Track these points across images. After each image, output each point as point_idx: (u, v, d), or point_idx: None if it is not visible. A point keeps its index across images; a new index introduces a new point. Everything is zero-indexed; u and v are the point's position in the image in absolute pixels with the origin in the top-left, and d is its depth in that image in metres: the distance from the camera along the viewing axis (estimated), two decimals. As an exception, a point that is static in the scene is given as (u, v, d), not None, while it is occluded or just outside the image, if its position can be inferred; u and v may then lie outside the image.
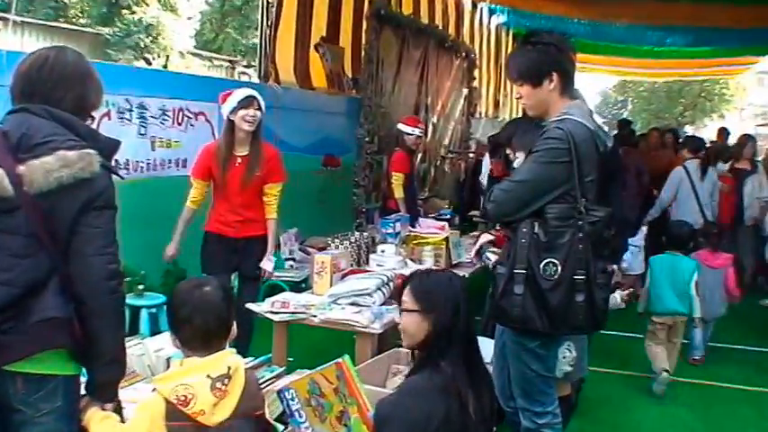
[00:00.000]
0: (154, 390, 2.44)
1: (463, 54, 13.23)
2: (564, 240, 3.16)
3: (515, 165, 4.42)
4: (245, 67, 20.15)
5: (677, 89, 38.83)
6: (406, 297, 2.94)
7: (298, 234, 8.39)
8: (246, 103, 4.97)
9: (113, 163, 2.56)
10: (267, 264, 5.18)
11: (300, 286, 7.44)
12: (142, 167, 6.31)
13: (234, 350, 2.55)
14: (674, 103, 40.29)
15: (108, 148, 2.48)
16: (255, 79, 17.66)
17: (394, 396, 2.75)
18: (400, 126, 8.09)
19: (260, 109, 5.04)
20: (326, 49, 9.51)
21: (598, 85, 45.83)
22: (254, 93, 5.09)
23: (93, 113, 2.63)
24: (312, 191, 8.96)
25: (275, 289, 7.24)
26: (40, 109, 2.39)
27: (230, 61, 19.15)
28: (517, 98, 3.56)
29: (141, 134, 6.29)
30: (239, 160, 5.06)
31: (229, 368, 2.44)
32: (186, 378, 2.36)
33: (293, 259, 7.89)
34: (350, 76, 10.13)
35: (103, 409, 2.48)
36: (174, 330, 2.53)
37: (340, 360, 3.12)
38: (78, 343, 2.37)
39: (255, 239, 5.17)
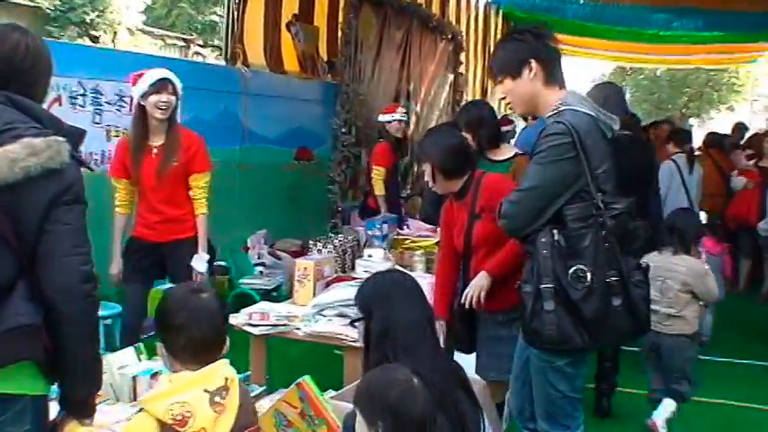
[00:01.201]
0: (140, 411, 2.42)
1: (449, 36, 13.30)
2: (587, 242, 3.16)
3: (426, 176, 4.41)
4: (200, 46, 20.05)
5: (681, 77, 39.12)
6: (356, 309, 3.16)
7: (267, 236, 8.36)
8: (159, 86, 4.84)
9: None
10: (197, 263, 5.02)
11: (272, 294, 7.44)
12: (96, 160, 6.28)
13: (227, 360, 2.55)
14: (677, 93, 40.53)
15: (73, 137, 2.45)
16: (211, 60, 17.66)
17: None
18: (381, 118, 8.16)
19: (175, 93, 4.93)
20: (299, 28, 9.50)
21: (592, 71, 45.90)
22: (169, 74, 4.96)
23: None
24: (282, 187, 8.97)
25: (245, 298, 7.23)
26: (0, 95, 2.37)
27: (185, 40, 19.04)
28: (501, 99, 3.61)
29: (96, 122, 6.28)
30: (155, 150, 4.95)
31: (226, 379, 2.44)
32: (181, 395, 2.34)
33: (263, 264, 7.87)
34: (325, 59, 10.13)
35: (83, 425, 2.47)
36: (164, 340, 2.51)
37: (301, 380, 3.21)
38: (48, 355, 2.34)
39: (183, 242, 5.04)
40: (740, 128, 12.49)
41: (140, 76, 4.90)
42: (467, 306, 4.21)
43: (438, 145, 4.27)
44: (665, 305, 5.19)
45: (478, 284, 4.19)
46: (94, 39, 19.10)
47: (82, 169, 2.46)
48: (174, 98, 4.91)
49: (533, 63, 3.35)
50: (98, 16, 19.98)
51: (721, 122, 34.09)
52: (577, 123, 3.18)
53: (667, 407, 5.21)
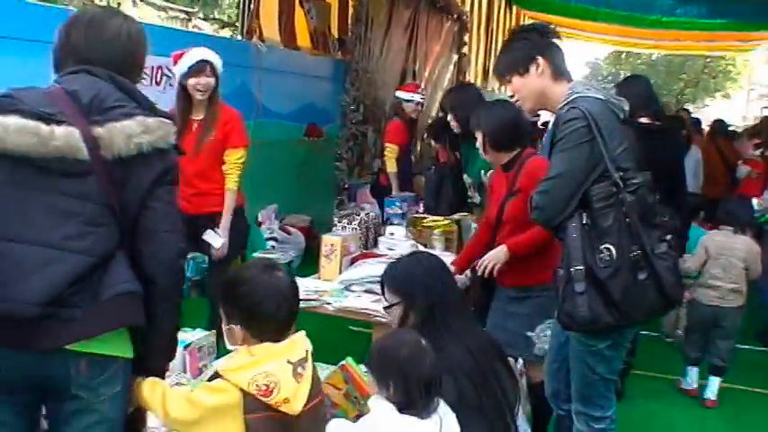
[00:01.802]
0: (217, 377, 2.49)
1: (455, 16, 13.34)
2: (611, 221, 3.24)
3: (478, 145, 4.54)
4: (201, 19, 20.00)
5: (678, 64, 39.19)
6: (386, 294, 3.24)
7: (278, 211, 8.45)
8: (197, 69, 4.98)
9: None
10: (212, 238, 5.11)
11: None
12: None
13: (304, 332, 2.65)
14: (673, 79, 40.56)
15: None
16: (209, 31, 17.58)
17: None
18: (399, 94, 8.19)
19: (213, 74, 5.04)
20: (312, 5, 9.54)
21: (587, 55, 46.00)
22: (207, 56, 5.05)
23: None
24: (293, 163, 9.04)
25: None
26: (103, 73, 2.46)
27: (186, 12, 19.01)
28: (510, 97, 3.72)
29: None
30: (195, 125, 5.10)
31: (306, 351, 2.56)
32: (265, 366, 2.43)
33: (275, 239, 7.95)
34: (336, 36, 10.17)
35: None
36: (236, 317, 2.59)
37: (344, 363, 3.32)
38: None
39: (219, 216, 5.14)
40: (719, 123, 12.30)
41: (180, 56, 5.02)
42: (479, 274, 4.39)
43: (493, 118, 4.44)
44: (729, 281, 5.80)
45: (496, 257, 4.37)
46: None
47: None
48: (212, 80, 5.03)
49: (540, 59, 3.48)
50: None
51: (716, 110, 34.26)
52: (590, 108, 3.29)
53: (716, 382, 5.86)
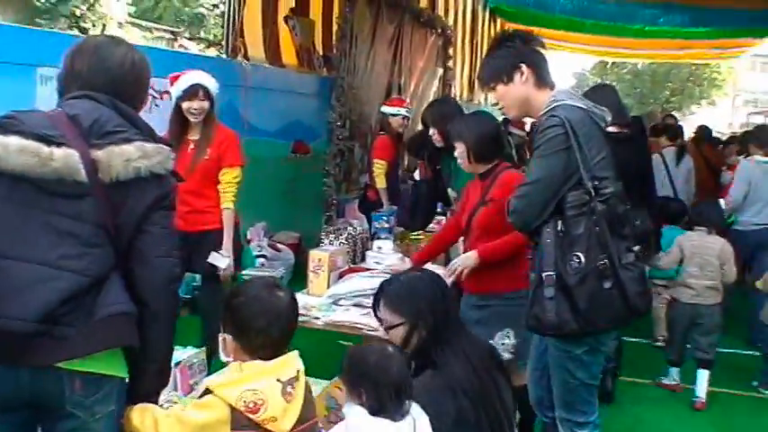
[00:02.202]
0: (205, 394, 2.53)
1: (439, 30, 13.41)
2: (582, 229, 3.33)
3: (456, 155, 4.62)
4: (187, 39, 20.09)
5: (663, 72, 39.50)
6: (385, 314, 3.19)
7: (267, 228, 8.50)
8: (191, 93, 5.06)
9: None
10: (218, 260, 5.17)
11: (275, 286, 7.55)
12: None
13: (297, 352, 2.68)
14: (659, 88, 40.89)
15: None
16: (195, 51, 17.65)
17: None
18: (384, 109, 8.26)
19: (207, 97, 5.12)
20: (296, 21, 9.62)
21: (574, 65, 46.33)
22: (202, 79, 5.12)
23: None
24: (280, 180, 9.08)
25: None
26: (105, 99, 2.52)
27: (172, 32, 19.09)
28: (493, 105, 3.77)
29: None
30: (192, 145, 5.18)
31: (298, 371, 2.59)
32: (253, 383, 2.47)
33: (264, 256, 8.00)
34: (321, 52, 10.24)
35: None
36: (234, 334, 2.63)
37: None
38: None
39: (211, 233, 5.20)
40: (703, 130, 12.35)
41: (177, 78, 5.12)
42: (448, 276, 4.39)
43: (475, 129, 4.51)
44: (706, 278, 6.03)
45: (465, 262, 4.45)
46: (84, 31, 19.05)
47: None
48: (205, 103, 5.12)
49: (524, 67, 3.55)
50: (88, 9, 19.97)
51: (703, 117, 34.41)
52: (570, 116, 3.37)
53: (705, 377, 6.00)
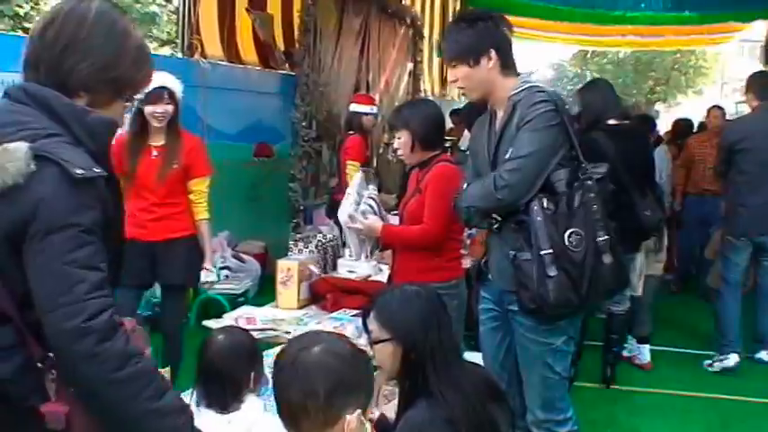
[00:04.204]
0: None
1: (408, 21, 13.42)
2: (576, 206, 3.46)
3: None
4: (140, 38, 19.99)
5: (646, 61, 39.66)
6: (373, 325, 3.04)
7: (230, 238, 8.46)
8: (155, 97, 5.00)
9: None
10: (206, 274, 5.26)
11: (239, 300, 7.54)
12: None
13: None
14: (642, 78, 41.08)
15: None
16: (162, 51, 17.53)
17: None
18: (355, 107, 8.23)
19: (172, 101, 5.09)
20: (256, 16, 9.58)
21: (551, 56, 46.46)
22: (166, 82, 5.08)
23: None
24: (243, 186, 9.07)
25: (211, 304, 7.34)
26: (16, 89, 2.20)
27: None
28: (452, 81, 3.81)
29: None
30: (155, 152, 5.14)
31: None
32: None
33: (228, 268, 7.95)
34: (282, 48, 10.21)
35: None
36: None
37: None
38: None
39: (177, 242, 5.20)
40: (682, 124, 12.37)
41: None
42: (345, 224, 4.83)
43: (420, 115, 4.55)
44: None
45: (369, 230, 4.72)
46: (28, 32, 18.82)
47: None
48: (170, 107, 5.07)
49: (492, 53, 3.61)
50: (32, 8, 19.75)
51: (690, 107, 34.66)
52: (553, 95, 3.52)
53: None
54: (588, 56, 42.36)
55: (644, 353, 6.90)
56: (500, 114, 3.67)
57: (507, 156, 3.54)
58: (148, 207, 5.11)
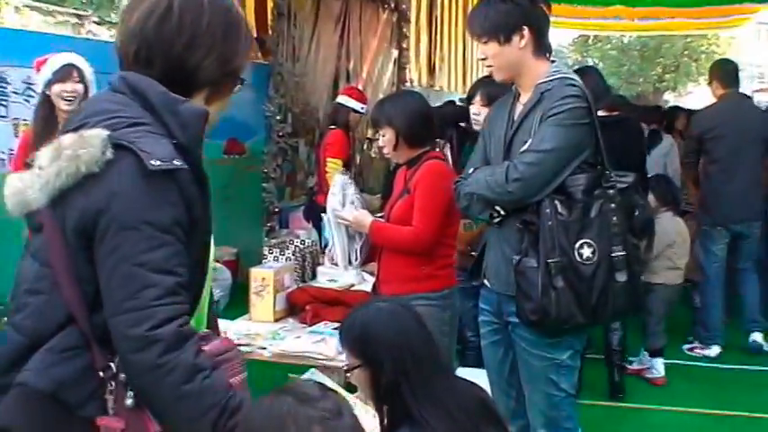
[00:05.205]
0: None
1: (392, 5, 13.38)
2: (593, 215, 3.43)
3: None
4: (95, 23, 19.92)
5: (654, 47, 39.55)
6: (344, 352, 3.03)
7: (199, 244, 8.40)
8: (63, 74, 5.00)
9: None
10: None
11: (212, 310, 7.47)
12: (2, 159, 6.29)
13: None
14: (650, 65, 40.91)
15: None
16: (105, 37, 17.50)
17: None
18: (344, 99, 8.23)
19: (82, 80, 5.08)
20: None
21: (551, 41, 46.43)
22: (75, 59, 5.10)
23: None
24: (212, 187, 8.93)
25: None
26: (117, 79, 2.24)
27: (78, 16, 18.90)
28: (480, 59, 3.79)
29: (1, 116, 6.27)
30: None
31: None
32: None
33: (196, 277, 7.88)
34: (254, 35, 10.16)
35: None
36: None
37: None
38: None
39: None
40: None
41: (44, 62, 5.01)
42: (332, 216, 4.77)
43: (406, 110, 4.54)
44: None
45: (359, 221, 4.67)
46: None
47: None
48: (80, 86, 5.05)
49: (526, 31, 3.58)
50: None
51: (702, 96, 34.68)
52: (587, 92, 3.44)
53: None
54: (590, 41, 42.30)
55: (657, 367, 6.93)
56: (524, 99, 3.66)
57: (525, 147, 3.54)
58: None
